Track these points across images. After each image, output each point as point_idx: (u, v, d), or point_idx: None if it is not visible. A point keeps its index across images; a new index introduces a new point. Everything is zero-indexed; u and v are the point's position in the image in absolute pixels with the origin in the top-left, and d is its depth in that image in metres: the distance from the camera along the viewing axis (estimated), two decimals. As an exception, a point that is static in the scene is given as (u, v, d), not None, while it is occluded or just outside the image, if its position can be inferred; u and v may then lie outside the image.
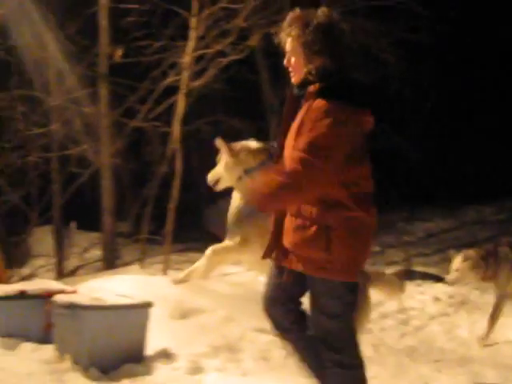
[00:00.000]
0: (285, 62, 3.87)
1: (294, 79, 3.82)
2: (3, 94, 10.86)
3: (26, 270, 10.90)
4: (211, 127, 12.80)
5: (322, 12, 3.72)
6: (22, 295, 6.44)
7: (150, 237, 10.59)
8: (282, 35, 3.81)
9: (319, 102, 3.56)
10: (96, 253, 12.50)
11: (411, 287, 7.96)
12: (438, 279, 9.06)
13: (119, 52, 10.90)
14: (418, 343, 6.40)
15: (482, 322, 6.96)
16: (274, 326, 4.10)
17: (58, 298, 6.06)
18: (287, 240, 3.78)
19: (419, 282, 8.39)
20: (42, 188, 12.02)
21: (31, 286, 6.69)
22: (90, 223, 13.03)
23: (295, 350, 4.06)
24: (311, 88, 3.65)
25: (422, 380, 5.32)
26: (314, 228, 3.63)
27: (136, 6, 11.05)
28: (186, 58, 9.78)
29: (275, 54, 15.27)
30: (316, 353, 3.90)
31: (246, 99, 16.14)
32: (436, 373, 5.49)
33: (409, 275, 7.96)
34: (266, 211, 3.98)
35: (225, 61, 10.31)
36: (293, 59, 3.79)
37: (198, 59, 10.20)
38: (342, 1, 12.22)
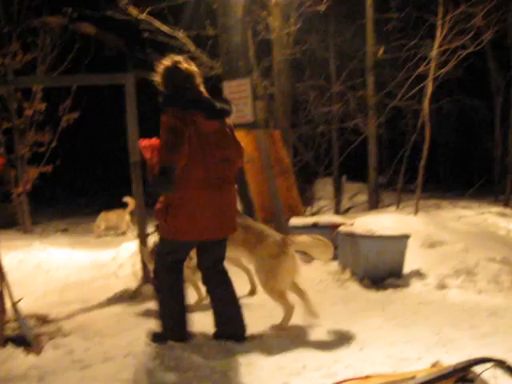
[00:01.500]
0: None
1: None
2: (300, 84, 11.31)
3: (313, 208, 11.27)
4: (451, 105, 12.32)
5: (168, 58, 4.02)
6: (315, 225, 6.72)
7: (403, 186, 10.54)
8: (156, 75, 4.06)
9: (162, 117, 3.84)
10: (361, 198, 12.60)
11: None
12: None
13: (381, 50, 10.85)
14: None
15: None
16: None
17: (342, 228, 6.24)
18: None
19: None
20: (327, 150, 12.39)
21: (321, 219, 6.96)
22: (356, 176, 13.21)
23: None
24: None
25: None
26: (161, 204, 3.94)
27: (394, 16, 10.94)
28: (433, 52, 9.48)
29: (501, 46, 14.38)
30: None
31: (477, 83, 15.30)
32: None
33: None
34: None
35: (464, 53, 9.82)
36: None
37: (443, 52, 9.85)
38: None
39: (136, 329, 4.79)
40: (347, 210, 11.76)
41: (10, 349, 4.26)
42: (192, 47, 10.09)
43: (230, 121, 4.14)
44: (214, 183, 3.89)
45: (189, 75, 3.98)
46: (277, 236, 4.62)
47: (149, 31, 10.01)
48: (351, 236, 5.95)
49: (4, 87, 11.47)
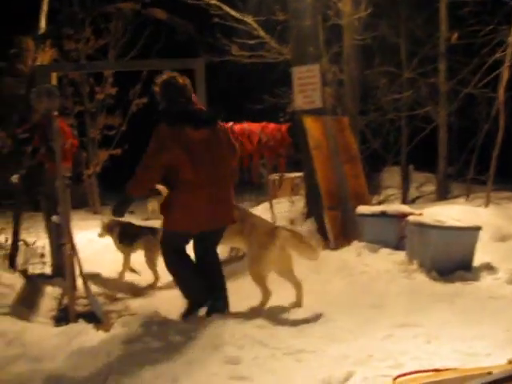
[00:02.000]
0: None
1: None
2: (369, 71, 11.13)
3: (380, 197, 11.13)
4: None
5: (166, 74, 4.61)
6: (383, 214, 6.57)
7: (474, 177, 10.24)
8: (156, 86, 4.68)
9: (154, 129, 4.46)
10: (429, 188, 12.33)
11: None
12: None
13: (455, 35, 10.53)
14: None
15: None
16: None
17: (410, 218, 6.08)
18: None
19: None
20: (395, 138, 12.18)
21: (389, 208, 6.81)
22: (424, 165, 12.92)
23: None
24: None
25: None
26: (164, 200, 4.64)
27: (470, -1, 10.61)
28: (511, 38, 9.12)
29: None
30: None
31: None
32: None
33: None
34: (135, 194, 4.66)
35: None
36: None
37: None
38: None
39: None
40: (414, 200, 11.54)
41: (81, 324, 4.41)
42: (261, 32, 10.09)
43: (221, 125, 4.76)
44: (205, 183, 4.47)
45: (182, 88, 4.58)
46: (269, 227, 5.15)
47: (218, 16, 10.06)
48: (420, 226, 5.80)
49: (77, 72, 11.81)
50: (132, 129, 13.68)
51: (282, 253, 5.00)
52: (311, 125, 7.46)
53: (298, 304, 4.93)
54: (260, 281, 4.97)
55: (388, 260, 6.03)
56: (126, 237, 7.05)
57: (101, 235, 7.31)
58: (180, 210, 4.50)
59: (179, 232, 4.62)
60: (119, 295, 6.42)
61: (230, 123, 8.20)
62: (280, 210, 9.02)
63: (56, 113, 4.92)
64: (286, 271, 5.08)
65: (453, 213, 6.65)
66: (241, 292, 5.31)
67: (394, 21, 11.76)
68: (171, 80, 4.58)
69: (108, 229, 7.19)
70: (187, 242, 4.75)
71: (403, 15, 11.77)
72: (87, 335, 4.12)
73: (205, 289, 4.66)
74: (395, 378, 2.36)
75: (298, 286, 5.05)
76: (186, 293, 4.73)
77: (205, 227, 4.60)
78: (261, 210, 10.55)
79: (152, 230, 6.88)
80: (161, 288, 6.33)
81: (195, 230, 4.62)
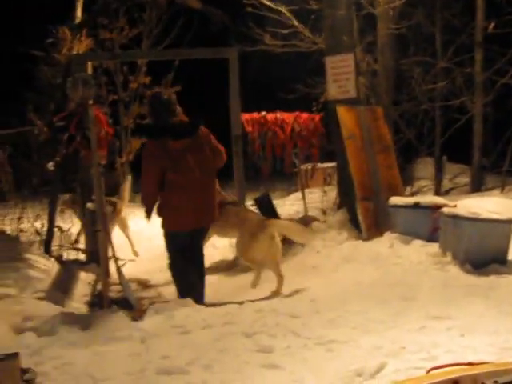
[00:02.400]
0: None
1: None
2: (404, 61, 10.96)
3: (412, 188, 10.98)
4: None
5: (157, 90, 5.16)
6: (416, 205, 6.48)
7: (509, 169, 10.06)
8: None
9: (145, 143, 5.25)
10: (463, 180, 12.12)
11: None
12: None
13: (492, 25, 10.31)
14: None
15: None
16: None
17: (445, 209, 5.97)
18: None
19: None
20: (429, 129, 11.99)
21: (423, 199, 6.71)
22: (457, 157, 12.69)
23: None
24: None
25: None
26: (159, 203, 5.13)
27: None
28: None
29: None
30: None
31: None
32: None
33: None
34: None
35: None
36: None
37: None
38: None
39: (233, 298, 4.90)
40: (448, 192, 11.36)
41: (114, 310, 4.47)
42: (294, 21, 10.01)
43: (203, 131, 5.15)
44: (189, 185, 4.94)
45: (166, 102, 5.05)
46: (258, 219, 5.71)
47: (251, 6, 10.02)
48: (454, 218, 5.70)
49: (112, 61, 11.91)
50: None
51: (271, 242, 5.44)
52: (345, 115, 7.40)
53: (276, 294, 5.26)
54: (253, 262, 5.52)
55: (421, 252, 5.97)
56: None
57: (61, 211, 7.72)
58: (168, 211, 5.02)
59: (172, 232, 5.08)
60: (153, 282, 6.49)
61: (263, 112, 8.21)
62: (312, 200, 8.99)
63: (91, 101, 4.97)
64: (272, 262, 5.47)
65: (487, 205, 6.52)
66: (269, 281, 5.34)
67: (430, 10, 11.54)
68: (156, 95, 5.32)
69: (69, 204, 7.71)
70: (185, 241, 5.11)
71: (438, 4, 11.55)
72: (121, 322, 4.18)
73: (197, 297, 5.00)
74: (428, 371, 2.33)
75: (280, 278, 5.38)
76: (182, 291, 5.03)
77: (191, 226, 5.07)
78: (292, 200, 10.56)
79: (113, 204, 7.59)
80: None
81: (184, 230, 5.05)
